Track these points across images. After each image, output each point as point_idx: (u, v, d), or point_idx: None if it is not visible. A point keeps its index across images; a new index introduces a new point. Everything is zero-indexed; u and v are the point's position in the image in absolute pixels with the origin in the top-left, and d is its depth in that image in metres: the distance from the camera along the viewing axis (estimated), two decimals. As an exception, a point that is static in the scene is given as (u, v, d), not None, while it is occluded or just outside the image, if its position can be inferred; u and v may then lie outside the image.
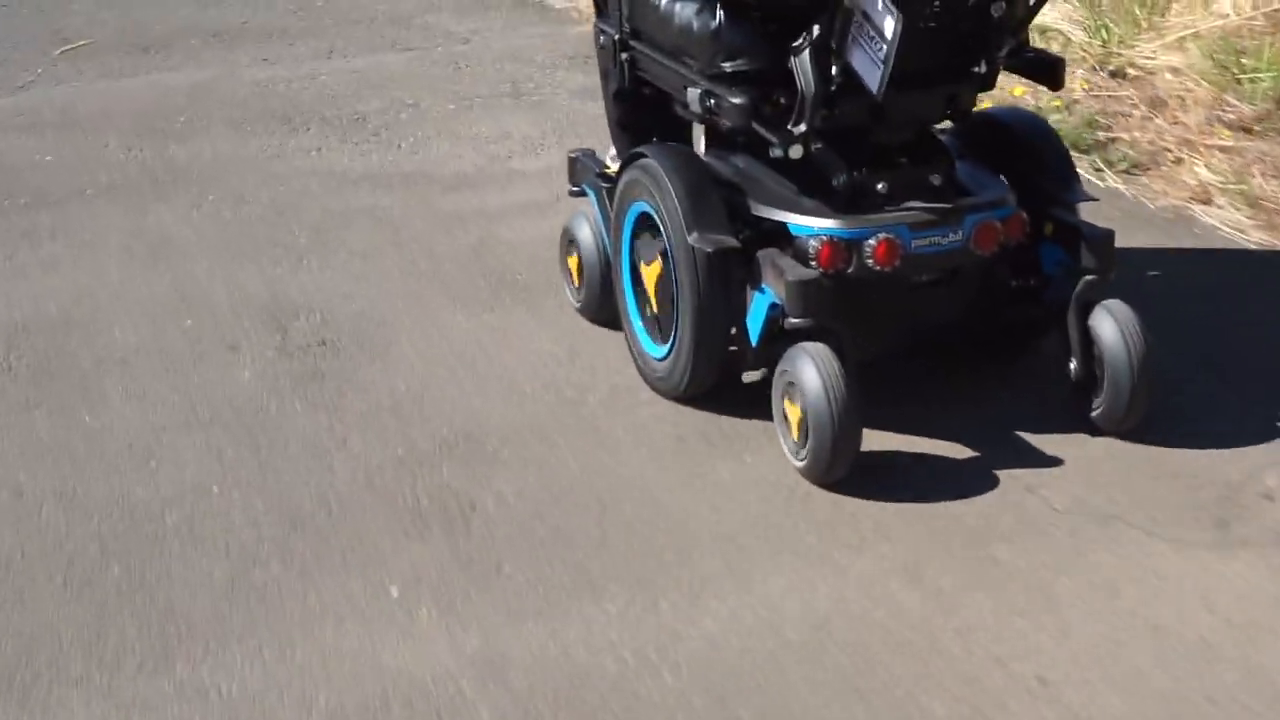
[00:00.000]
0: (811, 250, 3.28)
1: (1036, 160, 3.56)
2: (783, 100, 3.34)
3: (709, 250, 3.32)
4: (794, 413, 3.23)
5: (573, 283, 4.02)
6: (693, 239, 3.34)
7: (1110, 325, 3.30)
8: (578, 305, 4.00)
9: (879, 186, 3.35)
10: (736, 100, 3.29)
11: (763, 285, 3.32)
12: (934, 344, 3.57)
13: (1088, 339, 3.34)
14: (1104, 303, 3.34)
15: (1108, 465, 3.31)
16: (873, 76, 3.15)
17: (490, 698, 2.70)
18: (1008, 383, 3.63)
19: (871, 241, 3.28)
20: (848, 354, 3.21)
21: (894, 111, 3.29)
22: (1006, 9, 3.35)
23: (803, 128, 3.25)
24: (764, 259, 3.32)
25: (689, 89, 3.42)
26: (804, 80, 3.24)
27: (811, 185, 3.37)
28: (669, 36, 3.51)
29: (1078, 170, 3.63)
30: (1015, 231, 3.41)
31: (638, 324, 3.66)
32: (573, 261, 3.99)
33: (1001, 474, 3.29)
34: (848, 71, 3.19)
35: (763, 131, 3.30)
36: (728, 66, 3.37)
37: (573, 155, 4.02)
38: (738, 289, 3.40)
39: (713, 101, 3.36)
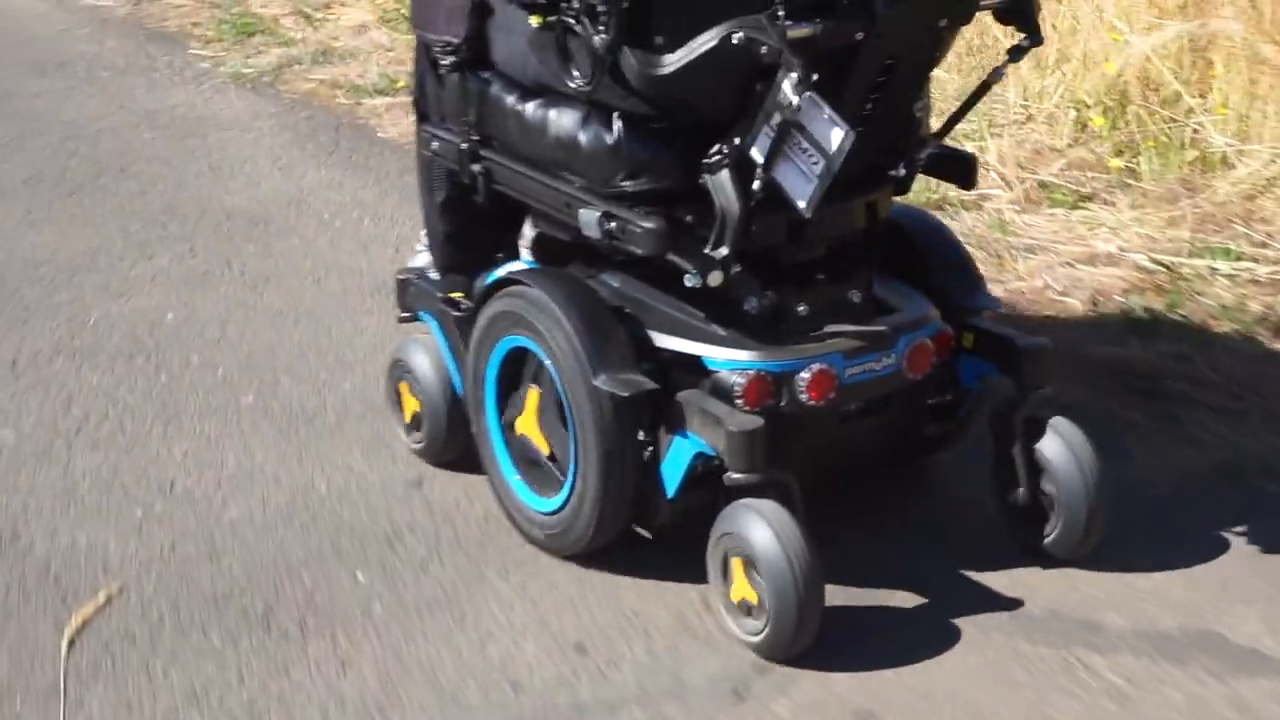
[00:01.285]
0: (735, 387, 2.90)
1: (939, 265, 3.24)
2: (689, 219, 2.95)
3: (624, 395, 2.91)
4: (742, 583, 2.84)
5: (407, 422, 3.54)
6: (600, 381, 2.91)
7: (1059, 445, 3.01)
8: (416, 448, 3.52)
9: (799, 309, 2.99)
10: (648, 225, 2.88)
11: (686, 431, 2.93)
12: (848, 474, 3.22)
13: (1033, 461, 3.05)
14: (1049, 421, 3.04)
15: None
16: (803, 192, 2.79)
17: None
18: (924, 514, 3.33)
19: (804, 374, 2.91)
20: (798, 507, 2.85)
21: (814, 225, 2.92)
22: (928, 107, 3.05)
23: (724, 251, 2.86)
24: (687, 403, 2.92)
25: (581, 211, 2.98)
26: (723, 199, 2.84)
27: (720, 310, 2.97)
28: (542, 149, 3.06)
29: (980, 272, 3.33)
30: (944, 349, 3.09)
31: (511, 477, 3.21)
32: (408, 399, 3.51)
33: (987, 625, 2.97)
34: (770, 187, 2.83)
35: (677, 259, 2.91)
36: (628, 186, 2.94)
37: (403, 276, 3.53)
38: (648, 433, 3.00)
39: (613, 225, 2.94)
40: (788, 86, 2.71)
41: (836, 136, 2.71)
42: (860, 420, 3.07)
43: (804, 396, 2.92)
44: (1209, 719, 2.74)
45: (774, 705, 2.77)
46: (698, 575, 2.99)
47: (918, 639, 2.94)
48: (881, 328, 3.01)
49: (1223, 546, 3.19)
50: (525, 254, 3.43)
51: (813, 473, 2.95)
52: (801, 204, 2.79)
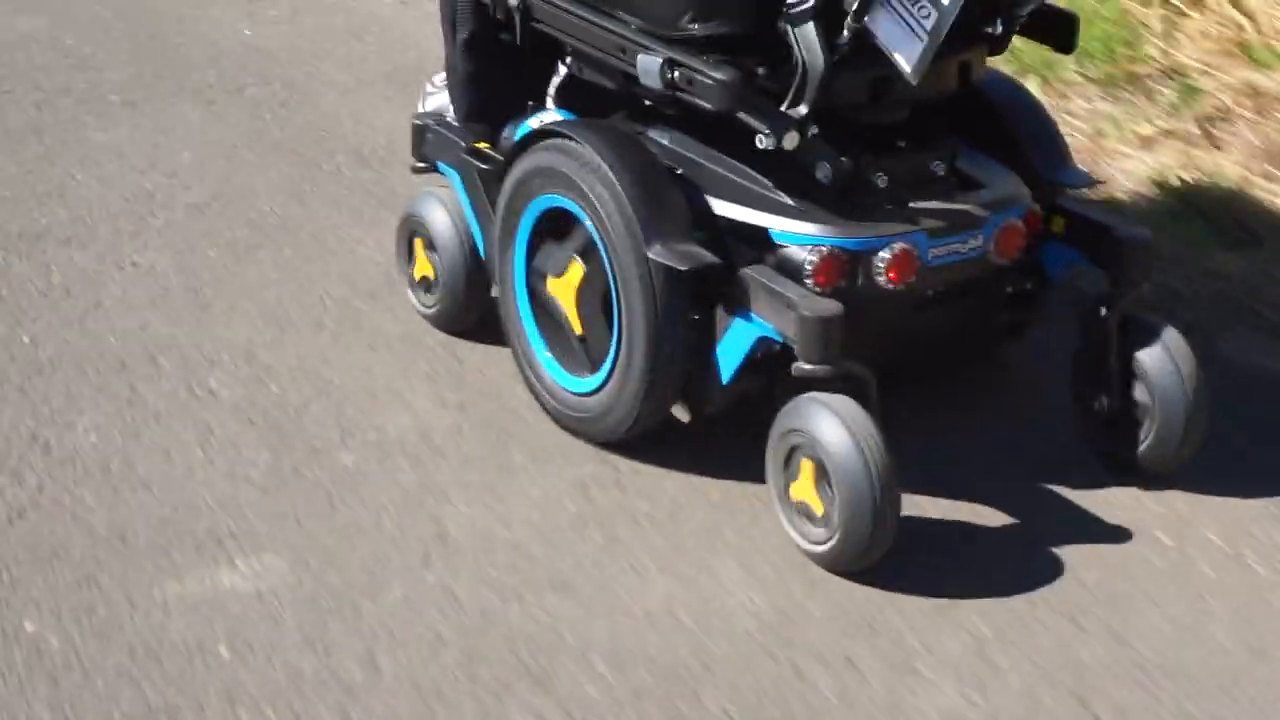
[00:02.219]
0: (806, 265, 2.55)
1: (1025, 136, 2.86)
2: (760, 70, 2.59)
3: (682, 269, 2.56)
4: (809, 486, 2.51)
5: (419, 284, 3.17)
6: (655, 252, 2.56)
7: (1159, 350, 2.66)
8: (427, 312, 3.15)
9: (878, 179, 2.64)
10: (719, 76, 2.50)
11: (748, 312, 2.59)
12: (917, 367, 2.88)
13: (1126, 365, 2.71)
14: (1143, 322, 2.71)
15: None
16: (909, 51, 2.43)
17: None
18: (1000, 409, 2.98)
19: (884, 254, 2.56)
20: (874, 405, 2.51)
21: (900, 83, 2.56)
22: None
23: (803, 109, 2.50)
24: (752, 281, 2.57)
25: (640, 57, 2.61)
26: (805, 51, 2.48)
27: (788, 176, 2.61)
28: None
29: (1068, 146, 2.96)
30: (1033, 232, 2.75)
31: (541, 352, 2.85)
32: (421, 258, 3.13)
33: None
34: (861, 39, 2.47)
35: (747, 116, 2.55)
36: (696, 29, 2.57)
37: (420, 121, 3.15)
38: (702, 310, 2.66)
39: (677, 75, 2.57)
40: (901, -74, 2.36)
41: None
42: (937, 307, 2.71)
43: (882, 279, 2.57)
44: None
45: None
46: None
47: (991, 559, 2.62)
48: (969, 205, 2.66)
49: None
50: (552, 102, 3.07)
51: (881, 364, 2.59)
52: (906, 66, 2.43)
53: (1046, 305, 2.89)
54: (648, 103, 2.75)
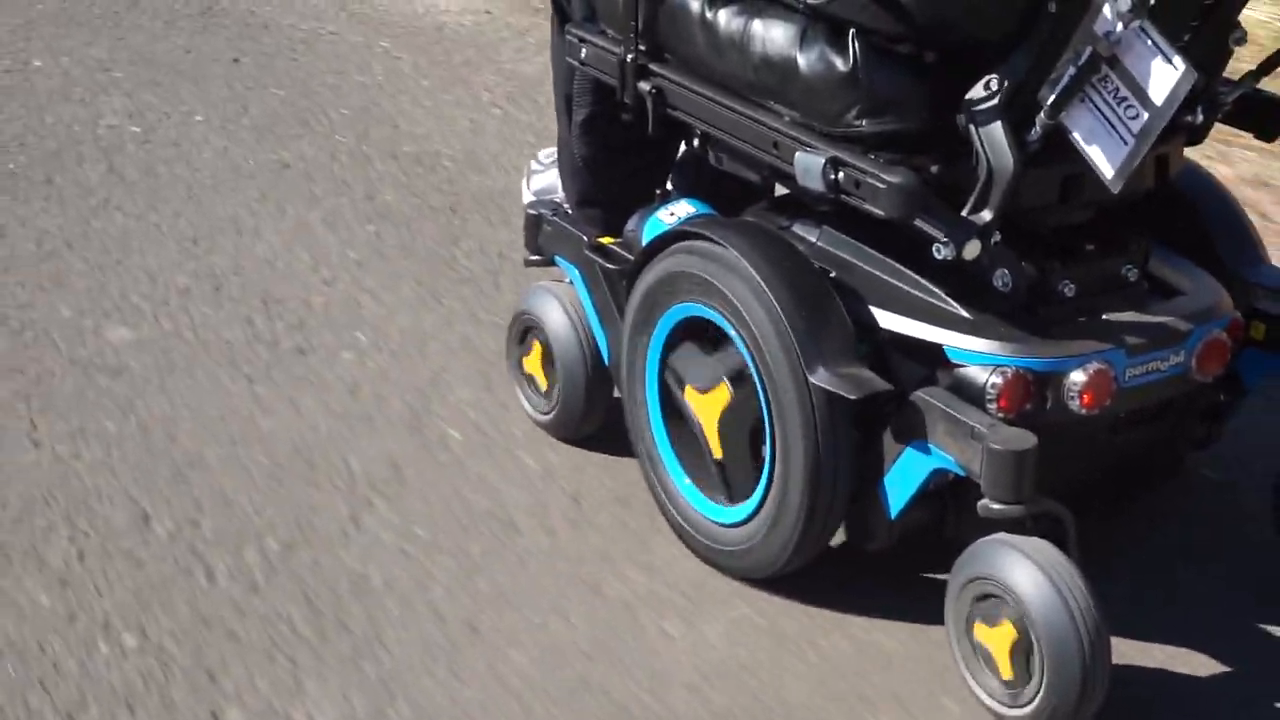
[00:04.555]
0: (988, 388, 2.18)
1: (1219, 232, 2.50)
2: (934, 169, 2.25)
3: (852, 397, 2.21)
4: (1003, 641, 2.14)
5: (536, 388, 2.81)
6: (818, 378, 2.21)
7: None
8: (543, 419, 2.80)
9: (1064, 288, 2.29)
10: (894, 180, 2.14)
11: (925, 442, 2.24)
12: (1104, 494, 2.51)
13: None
14: None
15: None
16: (1113, 155, 2.08)
17: None
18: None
19: (1078, 375, 2.19)
20: (1073, 549, 2.16)
21: (1092, 183, 2.20)
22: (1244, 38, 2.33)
23: (987, 215, 2.15)
24: (927, 405, 2.21)
25: (800, 155, 2.25)
26: (990, 151, 2.12)
27: (964, 285, 2.25)
28: (742, 70, 2.33)
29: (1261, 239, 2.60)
30: (1236, 343, 2.39)
31: (680, 477, 2.50)
32: (534, 361, 2.78)
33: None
34: (1057, 140, 2.12)
35: (925, 224, 2.20)
36: (865, 126, 2.22)
37: (535, 211, 2.80)
38: (871, 437, 2.31)
39: (842, 176, 2.23)
40: (1110, 9, 2.00)
41: (1170, 79, 2.00)
42: (1129, 430, 2.35)
43: (1075, 403, 2.20)
44: None
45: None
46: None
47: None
48: (1169, 316, 2.30)
49: None
50: (677, 188, 2.72)
51: (1067, 495, 2.25)
52: (1108, 172, 2.07)
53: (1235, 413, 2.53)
54: (802, 198, 2.40)
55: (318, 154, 3.93)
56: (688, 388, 2.44)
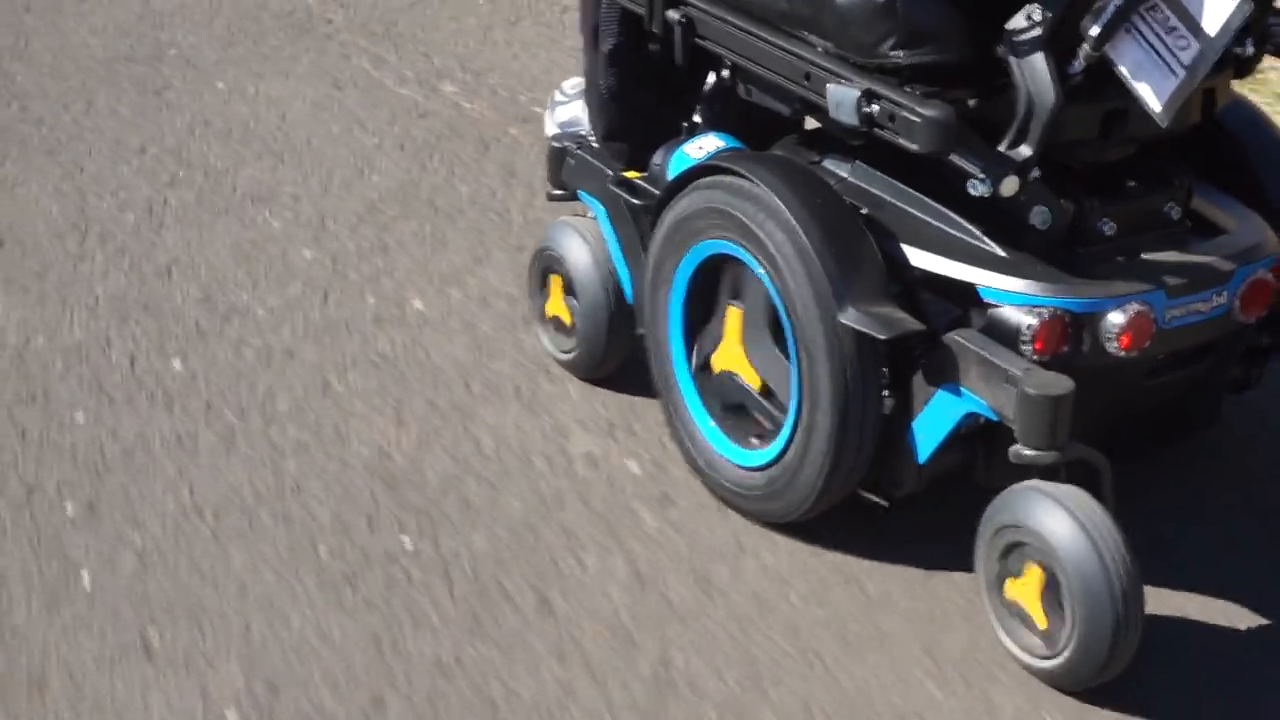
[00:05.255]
0: (1025, 329, 2.08)
1: (1267, 169, 2.37)
2: (972, 103, 2.13)
3: (883, 337, 2.11)
4: (1032, 590, 2.06)
5: (557, 327, 2.71)
6: (848, 317, 2.10)
7: None
8: (564, 358, 2.71)
9: (1104, 226, 2.18)
10: (930, 113, 2.03)
11: (958, 385, 2.13)
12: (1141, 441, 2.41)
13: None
14: None
15: None
16: (1161, 89, 1.96)
17: None
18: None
19: (1116, 316, 2.08)
20: (1109, 497, 2.06)
21: (1137, 117, 2.10)
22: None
23: (1026, 151, 2.04)
24: (960, 348, 2.10)
25: (833, 87, 2.13)
26: (1032, 84, 2.01)
27: (1000, 223, 2.14)
28: None
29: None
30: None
31: (705, 419, 2.40)
32: (556, 297, 2.68)
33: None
34: (1101, 71, 2.00)
35: (961, 159, 2.08)
36: (901, 56, 2.11)
37: (559, 144, 2.69)
38: (901, 379, 2.21)
39: (877, 109, 2.11)
40: (1159, -66, 1.88)
41: (1225, 7, 1.89)
42: (1169, 373, 2.24)
43: (1113, 345, 2.09)
44: None
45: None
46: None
47: (1250, 668, 2.16)
48: (1212, 256, 2.19)
49: None
50: (706, 122, 2.61)
51: (1104, 440, 2.15)
52: (1156, 105, 1.96)
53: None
54: (834, 131, 2.28)
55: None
56: (713, 352, 2.37)
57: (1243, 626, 2.21)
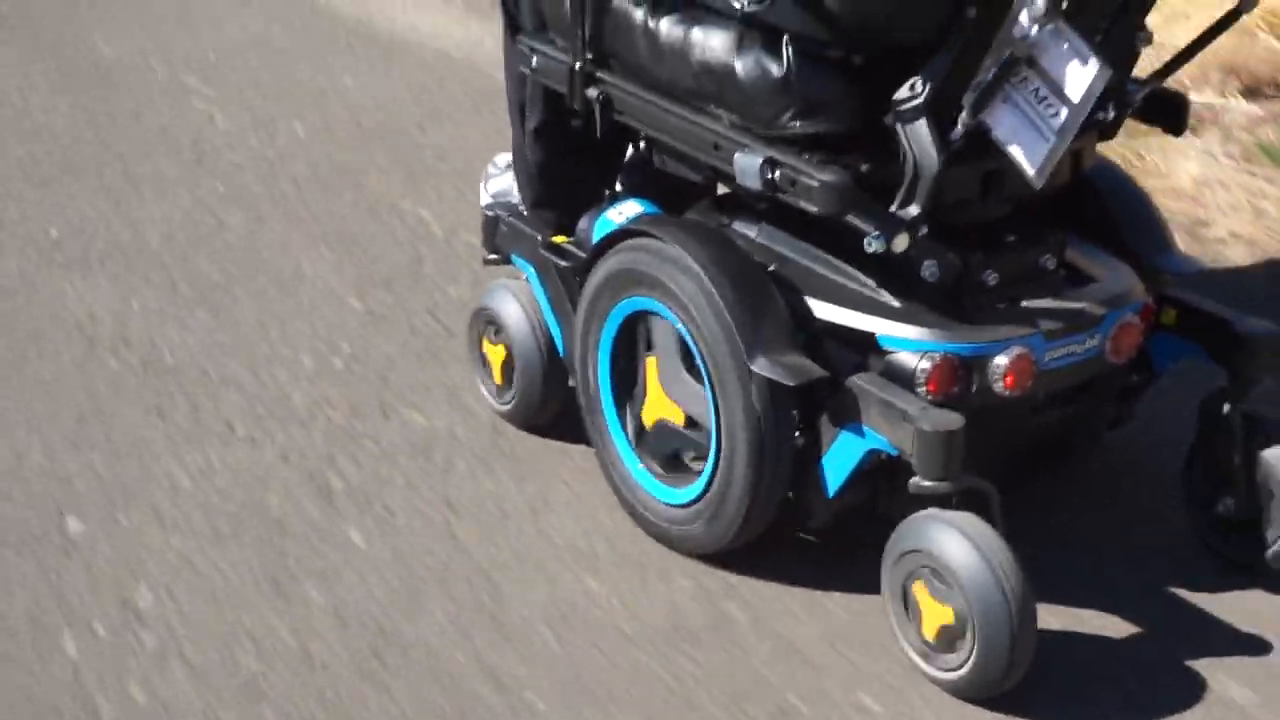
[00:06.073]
0: (919, 373, 2.24)
1: (1130, 223, 2.54)
2: (864, 168, 2.28)
3: (790, 383, 2.25)
4: (936, 611, 2.20)
5: (493, 380, 2.85)
6: (759, 365, 2.25)
7: None
8: (502, 409, 2.85)
9: (987, 277, 2.33)
10: (826, 178, 2.19)
11: (860, 424, 2.27)
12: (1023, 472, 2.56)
13: (1250, 465, 2.41)
14: (1270, 421, 2.40)
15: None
16: (1034, 152, 2.12)
17: None
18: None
19: (1001, 359, 2.25)
20: (999, 521, 2.20)
21: (1013, 178, 2.26)
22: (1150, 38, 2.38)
23: (914, 210, 2.19)
24: (861, 390, 2.26)
25: (739, 156, 2.29)
26: (916, 149, 2.17)
27: (893, 276, 2.31)
28: (682, 76, 2.37)
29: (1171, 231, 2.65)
30: (1147, 327, 2.44)
31: (633, 462, 2.55)
32: (495, 353, 2.82)
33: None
34: (980, 138, 2.16)
35: (856, 219, 2.23)
36: (798, 127, 2.26)
37: (492, 213, 2.84)
38: (809, 421, 2.35)
39: (778, 175, 2.26)
40: (1027, 11, 2.04)
41: (1085, 77, 2.05)
42: (1049, 410, 2.41)
43: (998, 385, 2.26)
44: None
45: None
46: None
47: (1131, 671, 2.32)
48: (1084, 302, 2.35)
49: None
50: (626, 188, 2.75)
51: (992, 472, 2.30)
52: (1030, 168, 2.12)
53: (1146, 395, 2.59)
54: (740, 195, 2.43)
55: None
56: (642, 409, 2.52)
57: (1121, 635, 2.37)
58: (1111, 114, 2.38)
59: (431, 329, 3.17)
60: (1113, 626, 2.38)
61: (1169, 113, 2.49)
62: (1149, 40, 2.35)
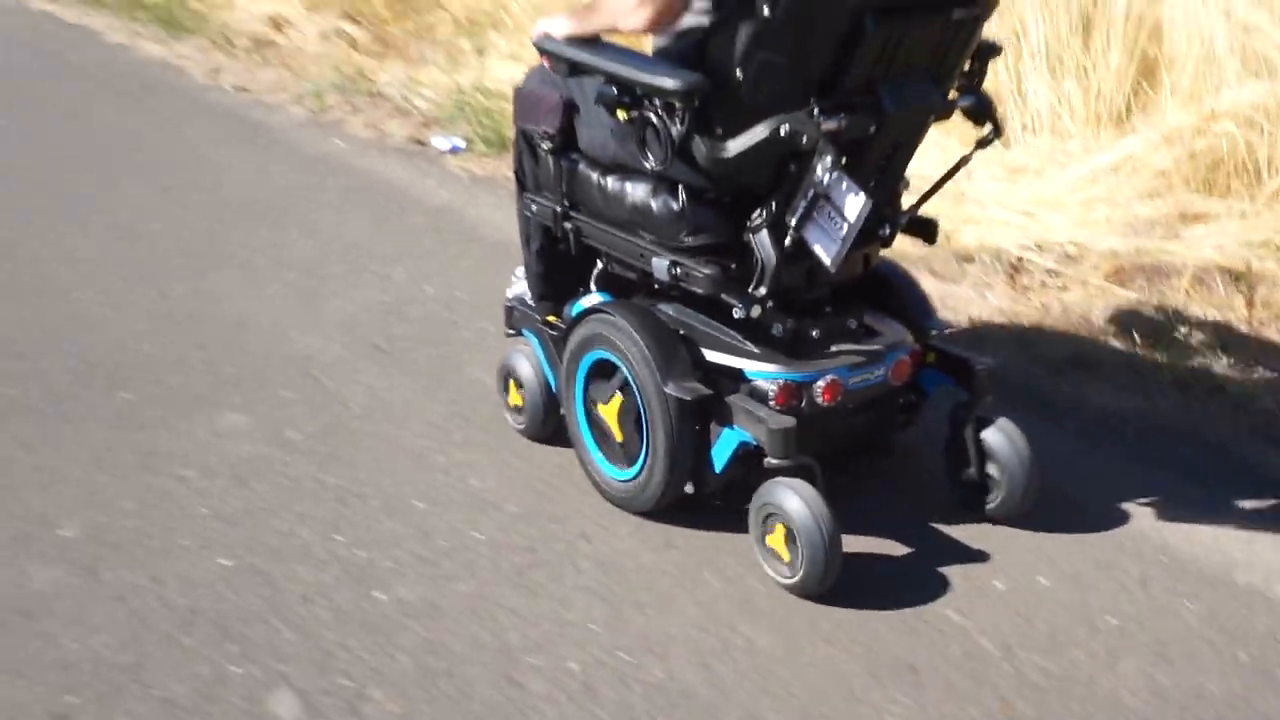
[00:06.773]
0: (769, 393, 3.24)
1: (906, 299, 3.54)
2: (734, 266, 3.08)
3: (687, 399, 3.08)
4: (780, 539, 3.17)
5: (515, 411, 3.87)
6: (669, 388, 3.20)
7: (1003, 438, 3.38)
8: (520, 428, 3.85)
9: (814, 334, 3.23)
10: (707, 271, 3.20)
11: (733, 425, 3.08)
12: (847, 455, 3.38)
13: (981, 449, 3.33)
14: (995, 420, 3.37)
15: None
16: (830, 251, 3.00)
17: None
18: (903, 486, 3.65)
19: (820, 383, 3.28)
20: (820, 483, 3.00)
21: (824, 272, 3.12)
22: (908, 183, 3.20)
23: (763, 291, 3.07)
24: (734, 405, 3.28)
25: (654, 259, 3.33)
26: (763, 252, 3.12)
27: (755, 334, 3.36)
28: (620, 213, 3.39)
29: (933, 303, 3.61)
30: (916, 364, 3.27)
31: (596, 453, 3.57)
32: (514, 393, 3.87)
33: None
34: (800, 244, 2.95)
35: (727, 296, 3.00)
36: (690, 241, 3.27)
37: (509, 304, 3.84)
38: (702, 425, 3.26)
39: (679, 270, 3.15)
40: (820, 167, 2.84)
41: (857, 204, 2.98)
42: (856, 415, 3.48)
43: (819, 399, 3.26)
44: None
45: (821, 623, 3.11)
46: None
47: (908, 576, 3.27)
48: (874, 347, 3.29)
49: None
50: (595, 286, 3.51)
51: (822, 454, 3.19)
52: (827, 260, 3.00)
53: (923, 410, 3.56)
54: (658, 286, 3.32)
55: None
56: (599, 404, 3.46)
57: (902, 554, 3.38)
58: (887, 231, 3.36)
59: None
60: (898, 550, 3.46)
61: (926, 230, 3.51)
62: (908, 185, 3.30)
